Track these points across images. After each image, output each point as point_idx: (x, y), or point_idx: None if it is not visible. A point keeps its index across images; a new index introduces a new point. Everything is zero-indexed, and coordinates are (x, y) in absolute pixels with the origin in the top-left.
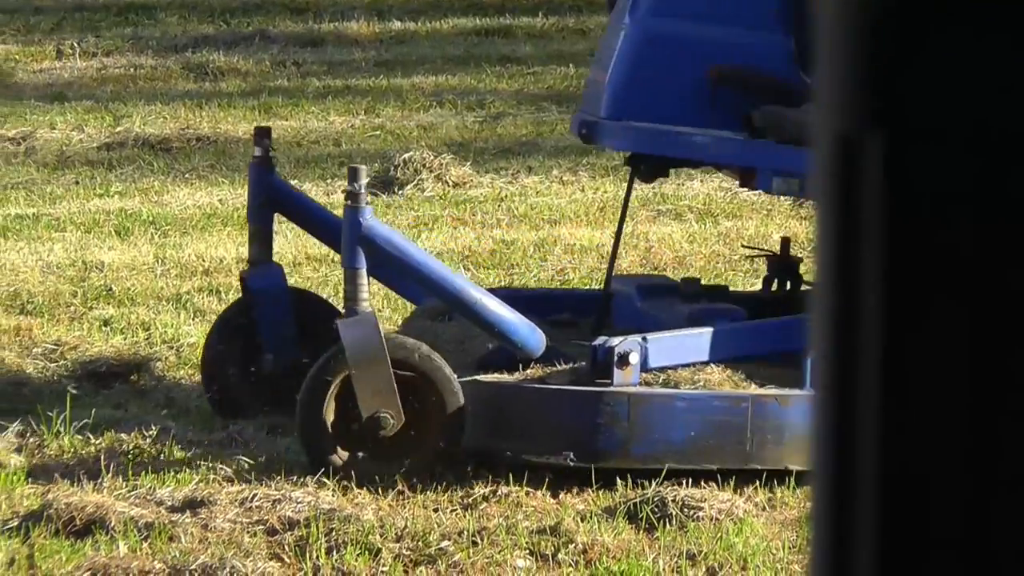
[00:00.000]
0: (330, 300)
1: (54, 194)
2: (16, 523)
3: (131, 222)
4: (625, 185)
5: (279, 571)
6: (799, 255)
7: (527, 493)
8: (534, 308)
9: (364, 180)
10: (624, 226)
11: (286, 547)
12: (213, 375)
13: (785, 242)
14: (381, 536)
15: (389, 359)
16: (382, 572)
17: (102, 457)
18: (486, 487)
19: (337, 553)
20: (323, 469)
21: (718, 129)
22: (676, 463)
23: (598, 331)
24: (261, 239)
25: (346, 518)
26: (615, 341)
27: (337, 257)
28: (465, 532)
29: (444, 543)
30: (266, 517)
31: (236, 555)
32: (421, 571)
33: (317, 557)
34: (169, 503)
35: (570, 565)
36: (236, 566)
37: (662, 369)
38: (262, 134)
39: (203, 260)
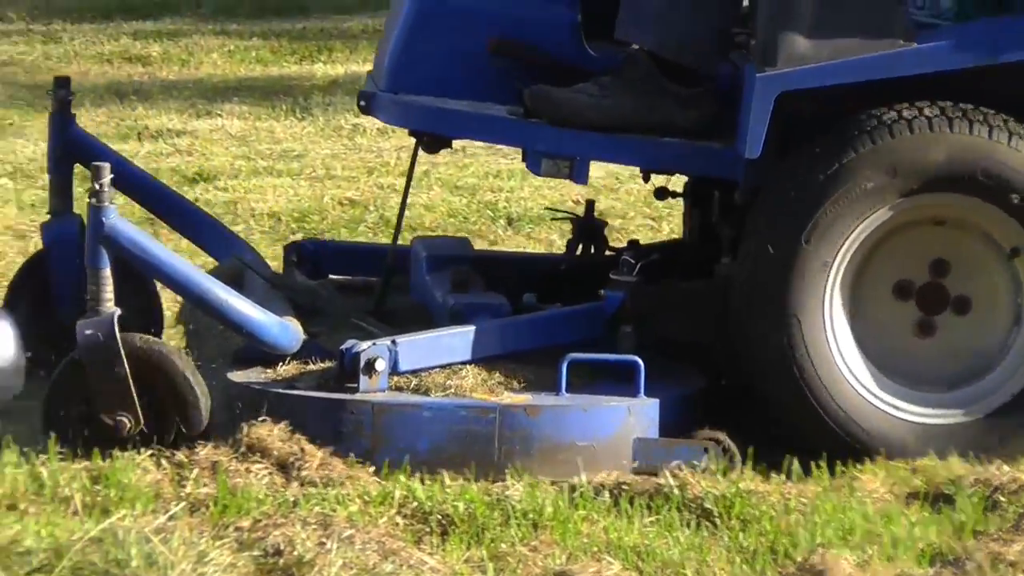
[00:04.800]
0: None
1: None
2: None
3: None
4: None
5: None
6: (604, 218)
7: None
8: (339, 264)
9: (108, 178)
10: (408, 195)
11: None
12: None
13: (590, 205)
14: None
15: (126, 362)
16: None
17: None
18: None
19: None
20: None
21: (497, 104)
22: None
23: (381, 305)
24: (60, 190)
25: None
26: (363, 346)
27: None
28: None
29: None
30: None
31: None
32: None
33: None
34: None
35: None
36: None
37: (415, 372)
38: (61, 83)
39: None
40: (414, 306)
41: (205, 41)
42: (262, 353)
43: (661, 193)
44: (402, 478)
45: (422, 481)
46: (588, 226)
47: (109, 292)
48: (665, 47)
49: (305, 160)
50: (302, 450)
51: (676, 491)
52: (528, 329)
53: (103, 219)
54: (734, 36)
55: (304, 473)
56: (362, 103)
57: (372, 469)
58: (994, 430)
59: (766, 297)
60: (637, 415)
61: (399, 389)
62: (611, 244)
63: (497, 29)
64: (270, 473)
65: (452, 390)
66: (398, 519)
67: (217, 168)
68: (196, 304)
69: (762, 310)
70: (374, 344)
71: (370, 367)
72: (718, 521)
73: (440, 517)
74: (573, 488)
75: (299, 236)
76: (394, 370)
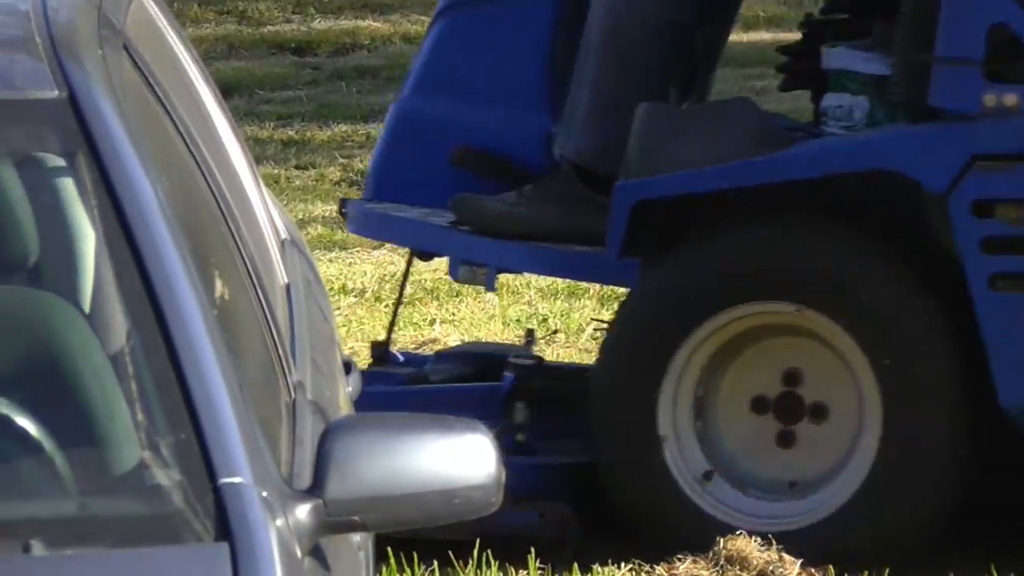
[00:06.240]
0: None
1: None
2: None
3: None
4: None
5: None
6: None
7: None
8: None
9: None
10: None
11: None
12: None
13: None
14: None
15: None
16: None
17: None
18: None
19: None
20: None
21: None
22: None
23: None
24: None
25: None
26: None
27: None
28: None
29: None
30: None
31: None
32: None
33: None
34: None
35: None
36: None
37: None
38: None
39: None
40: None
41: None
42: None
43: None
44: None
45: None
46: None
47: None
48: (583, 156)
49: None
50: (780, 559)
51: None
52: (415, 400)
53: None
54: None
55: None
56: (343, 211)
57: None
58: None
59: (613, 392)
60: None
61: None
62: None
63: (467, 138)
64: None
65: None
66: None
67: None
68: None
69: (610, 404)
70: None
71: None
72: None
73: None
74: None
75: None
76: None
